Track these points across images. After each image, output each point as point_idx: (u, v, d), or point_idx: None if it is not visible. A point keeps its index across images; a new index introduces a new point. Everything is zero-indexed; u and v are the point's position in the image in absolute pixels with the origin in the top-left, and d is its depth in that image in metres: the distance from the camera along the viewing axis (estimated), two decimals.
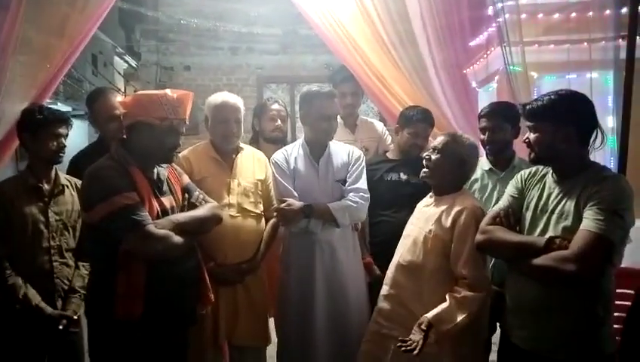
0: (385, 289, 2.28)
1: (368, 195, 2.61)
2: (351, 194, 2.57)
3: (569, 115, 1.84)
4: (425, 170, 2.24)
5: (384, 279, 2.33)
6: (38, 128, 2.37)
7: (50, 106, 2.61)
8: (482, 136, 2.59)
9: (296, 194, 2.57)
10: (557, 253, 1.75)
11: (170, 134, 2.07)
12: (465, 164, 2.20)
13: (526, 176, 2.05)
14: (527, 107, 1.91)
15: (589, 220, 1.73)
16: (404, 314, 2.15)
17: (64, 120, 2.43)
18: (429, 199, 2.30)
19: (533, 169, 2.06)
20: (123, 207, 1.92)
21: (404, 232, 2.32)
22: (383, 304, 2.27)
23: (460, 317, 1.98)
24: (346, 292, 2.58)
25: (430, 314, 2.00)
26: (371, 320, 2.34)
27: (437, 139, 2.26)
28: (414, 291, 2.15)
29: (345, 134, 3.26)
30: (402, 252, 2.25)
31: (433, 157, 2.21)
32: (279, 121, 3.12)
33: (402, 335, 2.02)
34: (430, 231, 2.14)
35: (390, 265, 2.31)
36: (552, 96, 1.87)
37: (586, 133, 1.86)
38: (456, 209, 2.11)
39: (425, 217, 2.22)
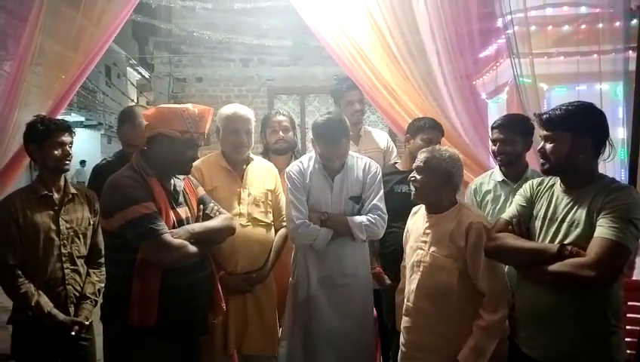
0: (409, 321, 2.22)
1: (386, 214, 2.58)
2: (369, 215, 2.54)
3: (587, 126, 1.85)
4: (414, 192, 2.21)
5: (403, 311, 2.26)
6: (41, 139, 2.42)
7: (51, 117, 2.65)
8: (494, 147, 2.61)
9: (306, 208, 2.55)
10: (574, 259, 1.74)
11: (190, 147, 2.12)
12: (451, 176, 2.16)
13: (534, 185, 2.05)
14: (545, 116, 1.90)
15: (605, 228, 1.73)
16: (434, 340, 2.12)
17: (65, 128, 2.48)
18: (425, 221, 2.23)
19: (541, 179, 2.06)
20: (141, 217, 1.96)
21: (414, 258, 2.22)
22: (411, 336, 2.21)
23: (492, 346, 2.01)
24: (352, 303, 2.57)
25: (462, 356, 2.02)
26: (402, 357, 2.27)
27: (417, 159, 2.23)
28: (441, 315, 2.11)
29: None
30: (419, 279, 2.17)
31: (418, 177, 2.18)
32: (281, 133, 3.10)
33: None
34: (448, 254, 2.10)
35: (408, 295, 2.23)
36: (570, 107, 1.87)
37: (599, 145, 1.87)
38: (465, 225, 2.09)
39: (435, 240, 2.15)
